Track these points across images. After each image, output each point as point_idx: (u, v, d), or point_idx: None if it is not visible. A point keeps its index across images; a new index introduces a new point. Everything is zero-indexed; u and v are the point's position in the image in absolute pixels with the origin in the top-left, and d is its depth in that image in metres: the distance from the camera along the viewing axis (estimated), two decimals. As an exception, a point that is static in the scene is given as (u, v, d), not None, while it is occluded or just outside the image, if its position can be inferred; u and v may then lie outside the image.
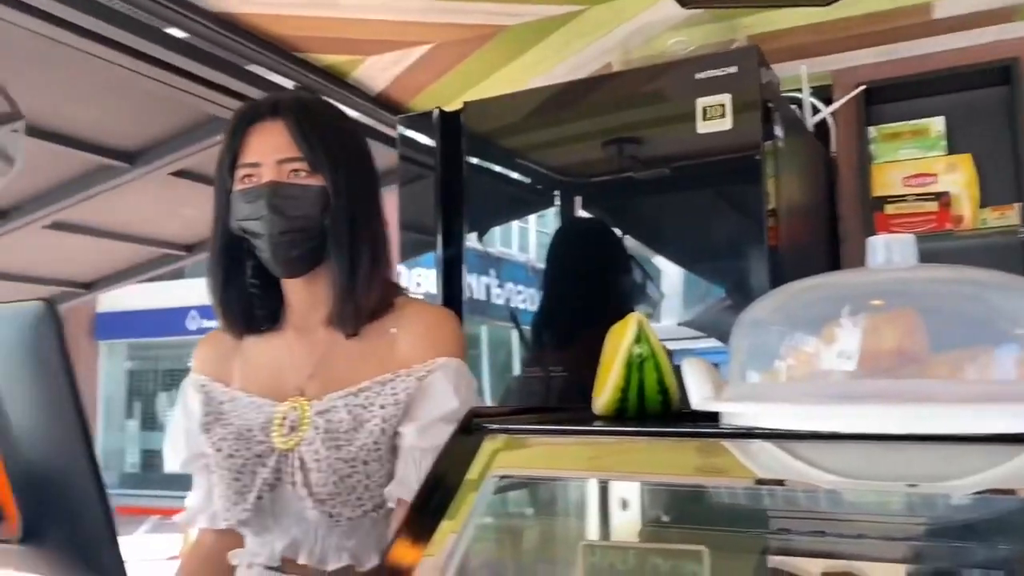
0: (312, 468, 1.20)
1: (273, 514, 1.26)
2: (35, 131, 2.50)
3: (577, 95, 1.85)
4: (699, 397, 0.80)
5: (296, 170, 1.22)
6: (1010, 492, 0.74)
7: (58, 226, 3.31)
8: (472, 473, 0.94)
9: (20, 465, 0.97)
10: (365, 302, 1.24)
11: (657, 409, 0.93)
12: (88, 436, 0.89)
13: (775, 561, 0.98)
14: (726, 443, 0.81)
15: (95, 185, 2.95)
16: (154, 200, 3.31)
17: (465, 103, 1.95)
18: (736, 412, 0.80)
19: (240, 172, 1.24)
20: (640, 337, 0.91)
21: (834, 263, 2.13)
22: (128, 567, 0.97)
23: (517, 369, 1.94)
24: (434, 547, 0.90)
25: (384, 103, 2.55)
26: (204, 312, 15.26)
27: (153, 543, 10.23)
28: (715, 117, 1.62)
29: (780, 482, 0.78)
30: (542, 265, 1.93)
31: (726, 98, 1.61)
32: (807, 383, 0.72)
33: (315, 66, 2.32)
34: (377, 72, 2.39)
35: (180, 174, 2.97)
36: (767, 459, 0.78)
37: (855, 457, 0.73)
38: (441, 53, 2.25)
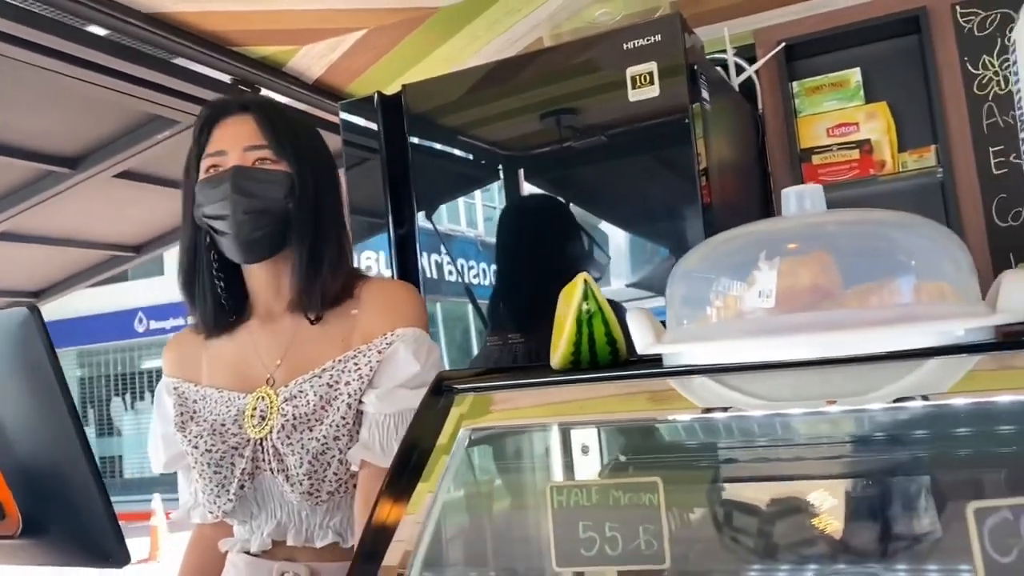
0: (286, 453, 1.25)
1: (257, 501, 1.31)
2: (-28, 144, 2.49)
3: (511, 71, 1.91)
4: (643, 343, 0.89)
5: (262, 159, 1.27)
6: (924, 398, 0.84)
7: (2, 236, 3.27)
8: (444, 434, 1.01)
9: (16, 463, 1.01)
10: (329, 286, 1.29)
11: (608, 359, 1.02)
12: (81, 429, 0.94)
13: (728, 492, 1.08)
14: (670, 381, 0.90)
15: (38, 193, 2.93)
16: (99, 203, 3.29)
17: (404, 85, 2.00)
18: (675, 353, 0.90)
19: (206, 163, 1.28)
20: (588, 294, 1.00)
21: (767, 216, 2.23)
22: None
23: (475, 343, 2.01)
24: (414, 506, 0.97)
25: (322, 90, 2.58)
26: (151, 313, 15.02)
27: (123, 548, 10.15)
28: (644, 85, 1.70)
29: (724, 410, 0.88)
30: (492, 240, 1.99)
31: (652, 66, 1.69)
32: (734, 322, 0.81)
33: (250, 58, 2.34)
34: (313, 60, 2.42)
35: (124, 175, 2.97)
36: (705, 392, 0.88)
37: (781, 383, 0.83)
38: (375, 38, 2.29)
